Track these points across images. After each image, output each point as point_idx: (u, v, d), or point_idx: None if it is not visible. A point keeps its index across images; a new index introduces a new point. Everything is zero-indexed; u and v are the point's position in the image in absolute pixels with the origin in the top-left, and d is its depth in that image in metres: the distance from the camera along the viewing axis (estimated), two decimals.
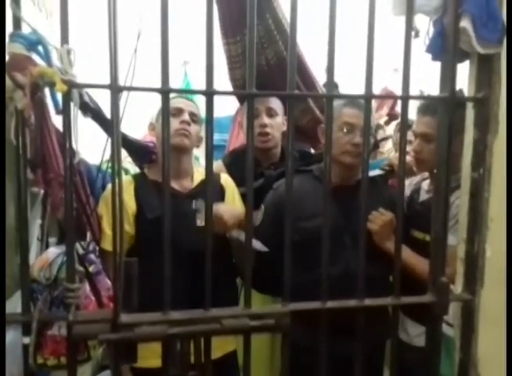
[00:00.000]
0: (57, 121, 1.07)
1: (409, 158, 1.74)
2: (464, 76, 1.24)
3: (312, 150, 2.28)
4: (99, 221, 1.52)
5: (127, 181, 1.60)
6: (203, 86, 1.04)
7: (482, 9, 1.12)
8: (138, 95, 1.06)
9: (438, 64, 1.21)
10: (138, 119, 2.02)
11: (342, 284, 1.19)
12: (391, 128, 3.42)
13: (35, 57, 1.04)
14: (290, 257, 1.12)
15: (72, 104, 1.01)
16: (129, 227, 1.53)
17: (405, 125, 1.18)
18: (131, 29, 1.16)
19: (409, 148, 1.66)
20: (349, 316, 1.14)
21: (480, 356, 1.23)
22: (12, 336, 1.17)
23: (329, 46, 1.10)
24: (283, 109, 1.98)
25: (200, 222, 1.56)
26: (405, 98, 1.14)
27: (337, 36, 1.09)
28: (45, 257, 1.36)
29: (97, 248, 1.50)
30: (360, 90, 1.13)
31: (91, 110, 1.22)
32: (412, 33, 1.19)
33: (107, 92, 0.97)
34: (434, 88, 1.23)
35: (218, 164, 2.01)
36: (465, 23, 1.12)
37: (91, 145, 1.33)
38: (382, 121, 3.48)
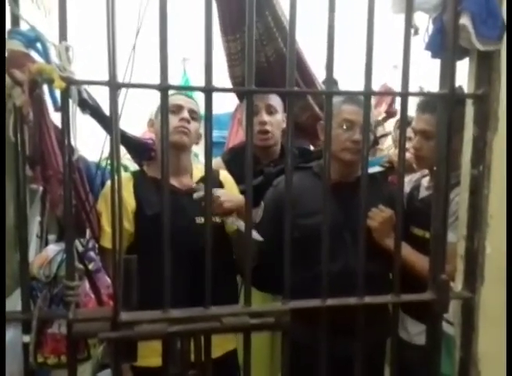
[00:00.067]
0: (56, 117, 1.07)
1: (408, 155, 1.73)
2: (464, 73, 1.23)
3: (312, 147, 2.28)
4: (99, 218, 1.51)
5: (126, 178, 1.59)
6: (202, 83, 1.04)
7: (482, 6, 1.12)
8: (137, 92, 1.06)
9: (437, 61, 1.21)
10: (137, 116, 2.02)
11: (342, 281, 1.19)
12: (388, 125, 3.41)
13: (33, 54, 1.04)
14: (290, 254, 1.12)
15: (70, 101, 1.01)
16: (128, 224, 1.53)
17: (404, 122, 1.18)
18: (129, 26, 1.16)
19: (408, 145, 1.66)
20: (349, 314, 1.14)
21: (480, 354, 1.23)
22: (12, 334, 1.17)
23: (329, 43, 1.09)
24: (282, 106, 1.98)
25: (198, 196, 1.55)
26: (405, 95, 1.14)
27: (337, 33, 1.09)
28: (45, 254, 1.35)
29: (96, 246, 1.50)
30: (359, 87, 1.13)
31: (89, 107, 1.22)
32: (412, 30, 1.19)
33: (106, 89, 0.97)
34: (433, 85, 1.22)
35: (217, 161, 2.00)
36: (464, 21, 1.12)
37: (90, 142, 1.33)
38: (380, 118, 3.47)
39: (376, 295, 1.19)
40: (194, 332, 1.06)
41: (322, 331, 1.15)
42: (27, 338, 1.06)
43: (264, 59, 2.00)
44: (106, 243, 1.46)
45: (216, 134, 2.60)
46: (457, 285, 1.27)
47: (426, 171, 1.78)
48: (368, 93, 1.13)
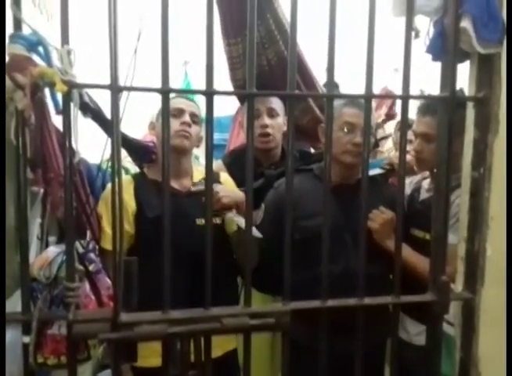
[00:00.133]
0: (57, 121, 1.07)
1: (409, 157, 1.74)
2: (465, 76, 1.24)
3: (312, 150, 2.28)
4: (99, 220, 1.52)
5: (126, 180, 1.60)
6: (203, 86, 1.04)
7: (483, 9, 1.12)
8: (139, 95, 1.06)
9: (438, 64, 1.21)
10: (138, 119, 2.02)
11: (342, 283, 1.20)
12: (388, 128, 3.42)
13: (35, 58, 1.04)
14: (291, 256, 1.12)
15: (72, 104, 1.01)
16: (129, 226, 1.53)
17: (405, 125, 1.18)
18: (131, 29, 1.16)
19: (409, 147, 1.66)
20: (349, 314, 1.14)
21: (480, 355, 1.23)
22: (12, 335, 1.17)
23: (330, 46, 1.10)
24: (284, 109, 1.98)
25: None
26: (406, 97, 1.15)
27: (338, 36, 1.09)
28: (45, 256, 1.35)
29: (97, 247, 1.50)
30: (360, 90, 1.13)
31: (91, 111, 1.22)
32: (413, 33, 1.19)
33: (107, 93, 0.97)
34: (434, 88, 1.23)
35: (217, 164, 2.01)
36: (465, 24, 1.12)
37: (91, 144, 1.33)
38: (379, 121, 3.48)
39: (377, 296, 1.19)
40: (194, 333, 1.06)
41: (322, 332, 1.15)
42: (27, 339, 1.07)
43: (265, 62, 2.00)
44: (107, 244, 1.46)
45: (217, 136, 2.61)
46: (458, 286, 1.27)
47: (426, 174, 1.78)
48: (369, 96, 1.14)
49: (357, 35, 1.62)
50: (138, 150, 1.65)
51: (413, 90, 1.17)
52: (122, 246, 1.00)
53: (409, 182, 1.83)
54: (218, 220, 1.59)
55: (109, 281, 1.44)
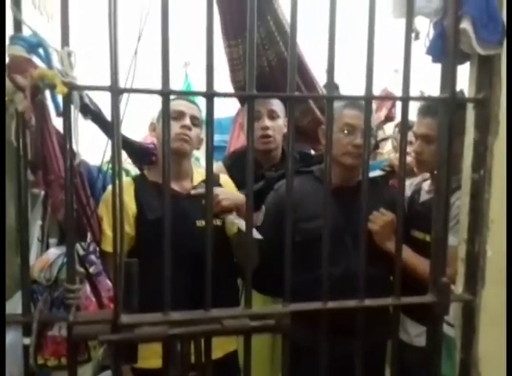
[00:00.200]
0: (58, 122, 1.07)
1: (409, 159, 1.74)
2: (465, 77, 1.24)
3: (312, 152, 2.28)
4: (100, 222, 1.52)
5: (127, 182, 1.60)
6: (203, 87, 1.04)
7: (482, 10, 1.12)
8: (139, 97, 1.06)
9: (438, 65, 1.22)
10: (139, 121, 2.03)
11: (343, 285, 1.20)
12: (387, 129, 3.42)
13: (36, 59, 1.04)
14: (291, 257, 1.12)
15: (72, 106, 1.01)
16: (129, 228, 1.53)
17: (405, 126, 1.18)
18: (131, 31, 1.16)
19: (409, 149, 1.66)
20: (350, 316, 1.14)
21: (481, 356, 1.23)
22: (13, 337, 1.17)
23: (330, 47, 1.10)
24: (284, 110, 1.98)
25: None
26: (406, 99, 1.15)
27: (338, 37, 1.09)
28: (46, 258, 1.36)
29: (97, 249, 1.50)
30: (360, 91, 1.13)
31: (91, 112, 1.23)
32: (413, 35, 1.19)
33: (108, 94, 0.97)
34: (434, 89, 1.23)
35: (218, 166, 2.01)
36: (465, 25, 1.12)
37: (91, 146, 1.33)
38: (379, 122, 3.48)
39: (377, 298, 1.19)
40: (194, 334, 1.06)
41: (322, 333, 1.15)
42: (27, 341, 1.07)
43: (266, 63, 2.00)
44: (107, 246, 1.46)
45: (217, 138, 2.60)
46: (458, 288, 1.27)
47: (427, 175, 1.78)
48: (369, 98, 1.14)
49: (357, 36, 1.62)
50: (139, 152, 1.66)
51: (413, 91, 1.17)
52: (122, 248, 1.00)
53: (410, 184, 1.83)
54: (218, 222, 1.59)
55: (109, 283, 1.44)
